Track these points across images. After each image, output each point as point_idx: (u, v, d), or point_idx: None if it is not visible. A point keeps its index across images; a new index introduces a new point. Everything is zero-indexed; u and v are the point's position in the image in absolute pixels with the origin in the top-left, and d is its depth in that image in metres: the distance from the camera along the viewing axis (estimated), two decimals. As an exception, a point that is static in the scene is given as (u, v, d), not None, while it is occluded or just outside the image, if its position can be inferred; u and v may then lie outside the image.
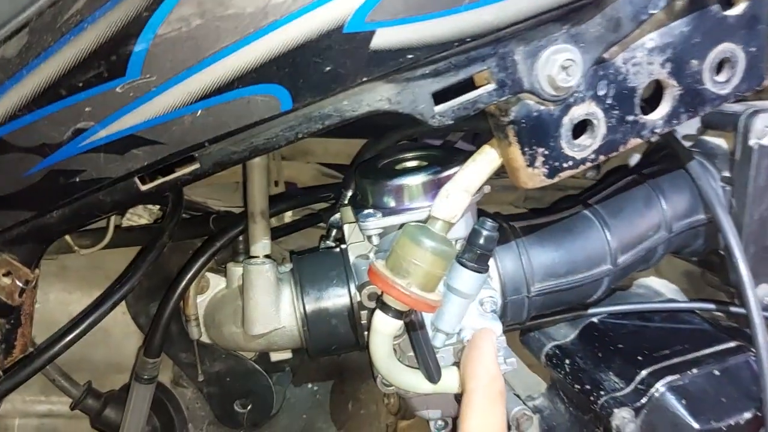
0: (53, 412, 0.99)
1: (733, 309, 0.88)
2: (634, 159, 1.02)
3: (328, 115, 0.55)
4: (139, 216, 1.01)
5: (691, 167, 0.86)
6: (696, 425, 0.79)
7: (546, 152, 0.61)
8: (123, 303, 0.93)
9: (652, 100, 0.66)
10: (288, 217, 1.04)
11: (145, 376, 0.83)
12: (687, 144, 0.96)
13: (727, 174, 0.89)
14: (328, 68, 0.51)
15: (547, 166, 0.61)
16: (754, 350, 0.78)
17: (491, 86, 0.57)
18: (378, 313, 0.66)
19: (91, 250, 0.91)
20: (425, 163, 0.79)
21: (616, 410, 0.80)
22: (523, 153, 0.61)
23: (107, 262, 0.95)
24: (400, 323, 0.66)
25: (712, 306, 0.90)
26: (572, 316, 0.95)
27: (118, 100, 0.51)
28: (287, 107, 0.52)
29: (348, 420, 1.02)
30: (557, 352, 0.92)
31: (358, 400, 1.02)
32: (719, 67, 0.66)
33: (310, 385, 0.99)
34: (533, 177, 0.62)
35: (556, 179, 0.62)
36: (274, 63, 0.50)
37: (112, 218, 0.91)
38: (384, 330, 0.66)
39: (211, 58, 0.50)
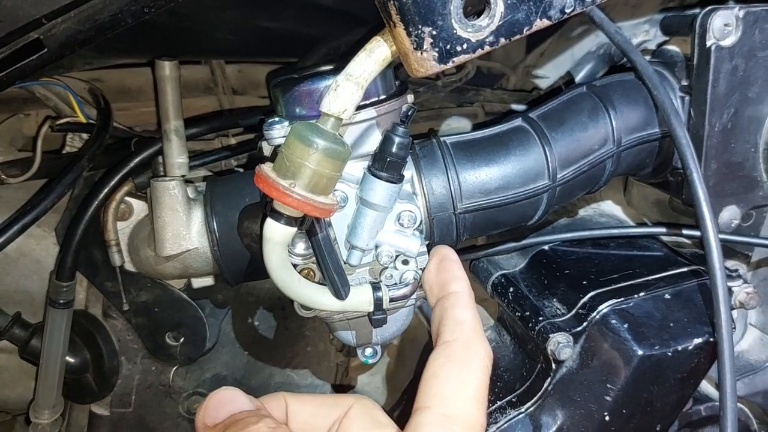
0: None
1: (685, 231, 0.80)
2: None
3: (174, -16, 0.51)
4: (78, 148, 0.98)
5: (647, 76, 0.78)
6: (639, 350, 0.73)
7: (434, 32, 0.55)
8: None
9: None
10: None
11: (60, 301, 0.80)
12: (647, 57, 0.89)
13: (686, 83, 0.81)
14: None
15: (437, 49, 0.55)
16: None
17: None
18: (268, 219, 0.61)
19: (19, 180, 0.88)
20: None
21: (551, 335, 0.74)
22: (409, 34, 0.55)
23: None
24: (292, 230, 0.61)
25: (663, 230, 0.83)
26: (522, 244, 0.89)
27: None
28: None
29: (294, 358, 0.98)
30: (503, 280, 0.86)
31: (303, 337, 0.98)
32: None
33: (250, 320, 0.95)
34: (423, 62, 0.56)
35: (450, 64, 0.56)
36: None
37: (39, 146, 0.89)
38: (273, 237, 0.61)
39: None
